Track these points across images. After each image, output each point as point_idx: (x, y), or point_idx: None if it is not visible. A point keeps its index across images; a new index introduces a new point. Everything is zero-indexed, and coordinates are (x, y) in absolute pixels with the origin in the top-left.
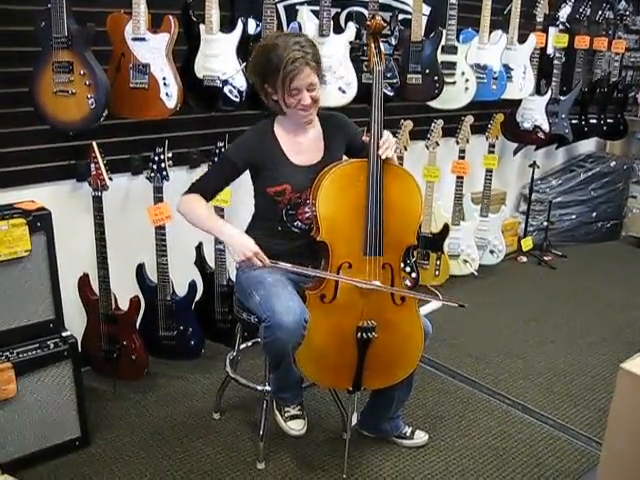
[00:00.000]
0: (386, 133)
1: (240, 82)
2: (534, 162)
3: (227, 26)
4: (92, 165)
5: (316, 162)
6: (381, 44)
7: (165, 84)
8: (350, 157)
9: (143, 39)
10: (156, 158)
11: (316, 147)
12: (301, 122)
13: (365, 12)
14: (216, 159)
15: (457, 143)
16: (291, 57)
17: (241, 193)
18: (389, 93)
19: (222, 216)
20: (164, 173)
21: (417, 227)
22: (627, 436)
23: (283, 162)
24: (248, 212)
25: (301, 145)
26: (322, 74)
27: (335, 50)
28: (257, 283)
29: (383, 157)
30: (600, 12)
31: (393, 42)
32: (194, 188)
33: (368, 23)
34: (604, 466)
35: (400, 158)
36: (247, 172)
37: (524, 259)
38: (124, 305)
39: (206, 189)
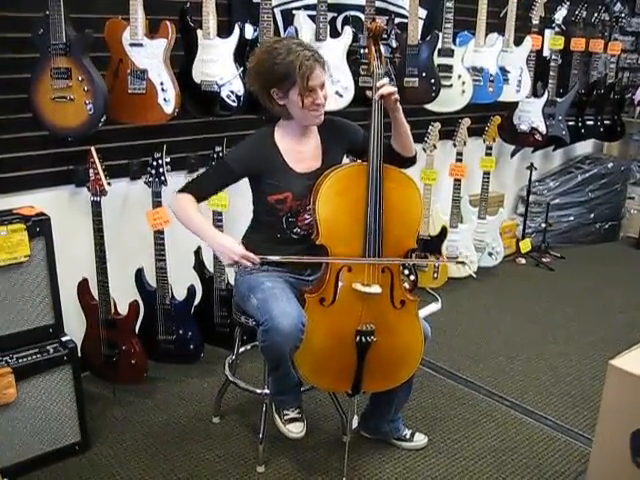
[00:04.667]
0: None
1: (238, 87)
2: (531, 164)
3: (224, 31)
4: (91, 170)
5: (315, 169)
6: (381, 47)
7: (163, 89)
8: (356, 158)
9: (141, 45)
10: (154, 163)
11: (315, 154)
12: (311, 123)
13: (361, 16)
14: (214, 162)
15: (454, 146)
16: (303, 56)
17: (239, 199)
18: None
19: (220, 220)
20: (162, 178)
21: (417, 231)
22: (616, 429)
23: (284, 170)
24: (246, 218)
25: (302, 153)
26: (327, 72)
27: (332, 54)
28: (255, 286)
29: (380, 93)
30: (596, 14)
31: (393, 45)
32: (189, 188)
33: (368, 26)
34: (594, 459)
35: None
36: (245, 179)
37: (522, 261)
38: (123, 310)
39: (200, 191)
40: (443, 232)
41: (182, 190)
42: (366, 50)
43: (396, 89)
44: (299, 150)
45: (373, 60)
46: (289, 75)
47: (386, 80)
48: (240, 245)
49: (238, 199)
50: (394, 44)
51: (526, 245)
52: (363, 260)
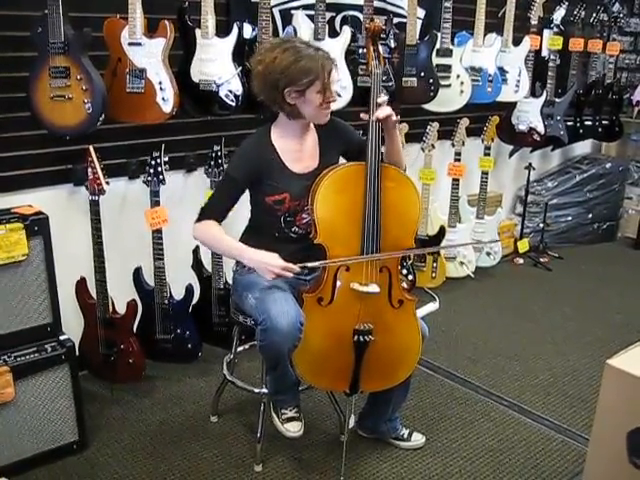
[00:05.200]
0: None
1: (236, 86)
2: (530, 164)
3: (223, 31)
4: (89, 169)
5: (313, 169)
6: (380, 47)
7: (161, 88)
8: (350, 160)
9: (139, 44)
10: (153, 162)
11: (313, 154)
12: (321, 121)
13: (360, 16)
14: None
15: (453, 146)
16: (322, 54)
17: None
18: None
19: None
20: (161, 177)
21: (415, 230)
22: (612, 429)
23: (282, 172)
24: (243, 217)
25: (299, 153)
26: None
27: (330, 54)
28: (252, 286)
29: (376, 117)
30: (594, 14)
31: (392, 44)
32: (205, 214)
33: (367, 26)
34: (591, 459)
35: None
36: None
37: (520, 261)
38: (121, 309)
39: (217, 213)
40: (441, 232)
41: (200, 219)
42: (364, 50)
43: (393, 112)
44: (296, 150)
45: (371, 60)
46: (311, 72)
47: (384, 99)
48: (279, 257)
49: None
50: (392, 44)
51: (524, 245)
52: (384, 255)
